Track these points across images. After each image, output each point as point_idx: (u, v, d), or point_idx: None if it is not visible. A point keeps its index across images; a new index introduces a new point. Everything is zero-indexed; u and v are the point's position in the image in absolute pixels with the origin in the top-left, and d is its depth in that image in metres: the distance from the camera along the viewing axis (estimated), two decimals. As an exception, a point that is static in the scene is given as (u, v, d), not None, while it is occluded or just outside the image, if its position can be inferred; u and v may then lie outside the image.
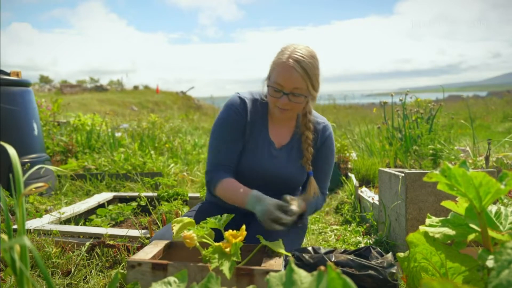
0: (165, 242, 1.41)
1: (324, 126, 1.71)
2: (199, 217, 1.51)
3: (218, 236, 1.36)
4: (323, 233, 2.54)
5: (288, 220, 1.36)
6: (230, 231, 1.20)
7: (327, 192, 1.78)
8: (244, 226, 1.27)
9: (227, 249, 1.16)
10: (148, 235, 2.00)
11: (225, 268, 1.10)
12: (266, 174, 1.64)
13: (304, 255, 1.51)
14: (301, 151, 1.66)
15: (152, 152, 4.68)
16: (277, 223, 1.36)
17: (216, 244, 1.19)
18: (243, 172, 1.65)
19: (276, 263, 1.21)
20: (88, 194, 3.47)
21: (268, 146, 1.65)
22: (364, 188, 3.08)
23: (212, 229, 1.36)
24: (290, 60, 1.48)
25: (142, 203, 2.64)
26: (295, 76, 1.48)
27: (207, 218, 1.41)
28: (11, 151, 0.85)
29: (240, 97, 1.65)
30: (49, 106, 5.64)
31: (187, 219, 1.35)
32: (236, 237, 1.18)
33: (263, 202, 1.41)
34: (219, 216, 1.42)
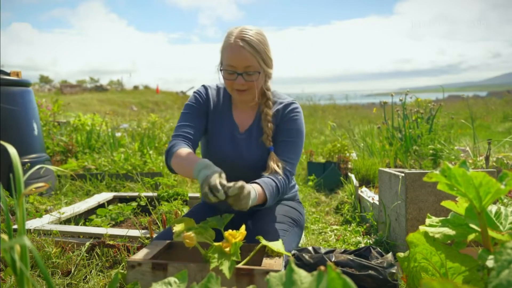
0: (165, 242, 1.41)
1: (287, 104, 1.69)
2: (195, 218, 1.51)
3: (218, 236, 1.36)
4: (323, 233, 2.54)
5: (221, 194, 1.26)
6: (230, 231, 1.20)
7: (293, 171, 1.65)
8: (244, 226, 1.27)
9: (227, 249, 1.16)
10: (148, 235, 2.00)
11: (225, 268, 1.10)
12: (230, 158, 1.67)
13: (304, 255, 1.51)
14: (262, 129, 1.67)
15: (152, 152, 4.68)
16: (212, 192, 1.27)
17: (216, 244, 1.19)
18: (209, 157, 1.70)
19: (276, 263, 1.21)
20: (88, 194, 3.47)
21: (232, 130, 1.69)
22: (364, 188, 3.08)
23: (213, 229, 1.36)
24: (237, 40, 1.52)
25: (142, 203, 2.64)
26: (245, 54, 1.52)
27: (207, 218, 1.41)
28: (12, 150, 0.85)
29: (204, 85, 1.77)
30: (49, 106, 5.65)
31: (187, 219, 1.36)
32: (235, 237, 1.18)
33: (210, 168, 1.35)
34: (219, 216, 1.43)
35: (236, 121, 1.71)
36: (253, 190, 1.40)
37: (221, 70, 1.60)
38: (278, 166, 1.58)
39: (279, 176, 1.57)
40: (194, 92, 1.75)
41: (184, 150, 1.54)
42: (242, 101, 1.68)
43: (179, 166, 1.51)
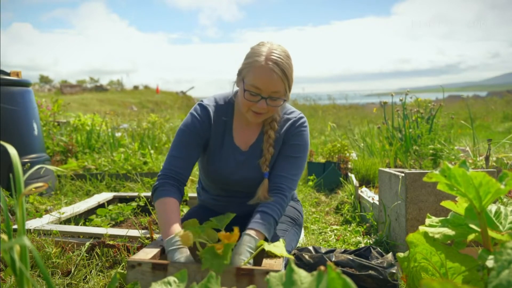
0: (165, 242, 1.41)
1: (294, 121, 1.61)
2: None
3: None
4: (323, 233, 2.54)
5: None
6: (224, 232, 1.21)
7: (294, 187, 1.58)
8: (237, 228, 1.27)
9: (220, 250, 1.17)
10: (148, 235, 2.00)
11: (215, 268, 1.11)
12: (232, 181, 1.61)
13: (304, 254, 1.51)
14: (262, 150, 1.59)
15: (152, 151, 4.68)
16: None
17: (210, 244, 1.20)
18: (210, 179, 1.65)
19: (276, 263, 1.21)
20: (88, 194, 3.47)
21: (233, 152, 1.60)
22: (364, 188, 3.08)
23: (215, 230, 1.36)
24: (269, 63, 1.40)
25: (141, 204, 2.64)
26: (275, 79, 1.41)
27: (210, 219, 1.41)
28: (12, 150, 0.85)
29: (203, 105, 1.60)
30: (49, 106, 5.64)
31: (190, 220, 1.36)
32: (229, 238, 1.19)
33: (178, 254, 1.28)
34: (221, 216, 1.43)
35: (237, 141, 1.61)
36: (251, 243, 1.33)
37: (244, 89, 1.45)
38: (265, 197, 1.51)
39: (275, 206, 1.48)
40: (192, 114, 1.60)
41: (167, 201, 1.44)
42: (254, 122, 1.57)
43: (158, 217, 1.45)
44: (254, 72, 1.42)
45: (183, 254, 1.27)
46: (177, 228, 1.35)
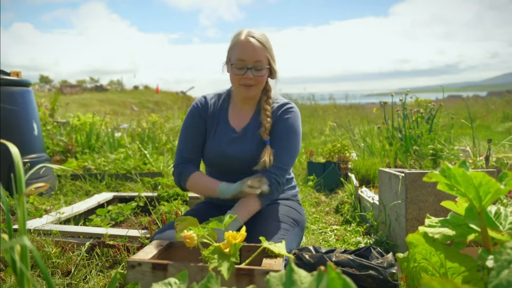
0: (165, 242, 1.41)
1: (283, 104, 1.76)
2: (197, 217, 1.52)
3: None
4: (323, 233, 2.54)
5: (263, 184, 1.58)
6: (231, 232, 1.20)
7: (286, 167, 1.68)
8: (244, 227, 1.27)
9: (227, 250, 1.16)
10: (148, 235, 2.00)
11: (224, 268, 1.10)
12: (227, 157, 1.73)
13: (304, 254, 1.51)
14: (260, 123, 1.73)
15: (153, 151, 4.68)
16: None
17: (216, 244, 1.19)
18: (208, 158, 1.79)
19: (276, 263, 1.21)
20: (88, 194, 3.47)
21: (227, 131, 1.76)
22: (364, 188, 3.08)
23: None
24: (249, 37, 1.64)
25: (141, 204, 2.64)
26: (256, 48, 1.62)
27: (210, 219, 1.41)
28: (14, 149, 0.84)
29: (203, 96, 1.85)
30: (47, 106, 5.64)
31: (190, 218, 1.36)
32: (236, 238, 1.18)
33: (234, 184, 1.61)
34: (221, 216, 1.43)
35: (233, 123, 1.78)
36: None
37: (231, 64, 1.66)
38: (270, 160, 1.65)
39: (271, 174, 1.64)
40: (194, 105, 1.82)
41: (195, 175, 1.72)
42: (247, 97, 1.72)
43: (197, 191, 1.74)
44: (236, 48, 1.65)
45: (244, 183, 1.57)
46: (216, 183, 1.66)
